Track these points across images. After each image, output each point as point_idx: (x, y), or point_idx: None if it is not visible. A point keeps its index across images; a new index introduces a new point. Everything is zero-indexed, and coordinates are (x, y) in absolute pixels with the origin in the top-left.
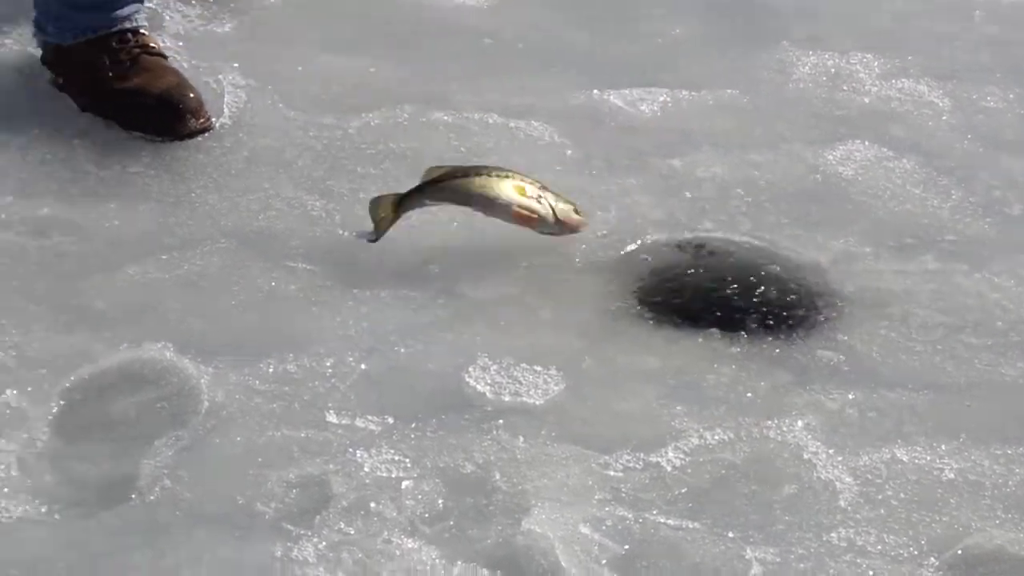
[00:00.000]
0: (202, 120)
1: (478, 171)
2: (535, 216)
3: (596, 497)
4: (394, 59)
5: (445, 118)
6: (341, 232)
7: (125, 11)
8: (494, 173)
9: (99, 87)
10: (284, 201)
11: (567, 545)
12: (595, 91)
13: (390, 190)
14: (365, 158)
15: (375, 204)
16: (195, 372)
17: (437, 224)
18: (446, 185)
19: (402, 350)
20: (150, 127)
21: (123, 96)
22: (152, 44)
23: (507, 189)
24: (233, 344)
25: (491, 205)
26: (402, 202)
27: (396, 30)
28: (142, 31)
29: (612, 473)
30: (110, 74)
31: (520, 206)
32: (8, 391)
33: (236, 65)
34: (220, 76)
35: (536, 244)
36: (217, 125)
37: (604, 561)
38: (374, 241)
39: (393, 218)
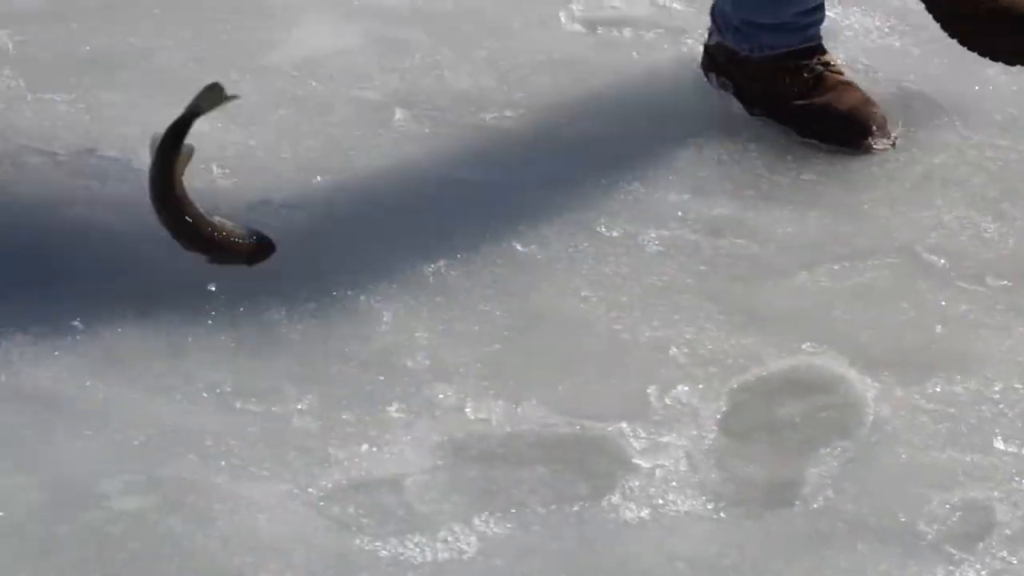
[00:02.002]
0: (887, 139)
1: None
2: None
3: None
4: None
5: None
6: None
7: (809, 32)
8: None
9: (777, 102)
10: (956, 220)
11: None
12: None
13: None
14: None
15: None
16: (861, 384)
17: None
18: None
19: None
20: (831, 140)
21: (804, 111)
22: (833, 61)
23: None
24: (900, 360)
25: None
26: None
27: None
28: (823, 49)
29: None
30: (792, 91)
31: None
32: (680, 387)
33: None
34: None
35: None
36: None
37: None
38: None
39: None
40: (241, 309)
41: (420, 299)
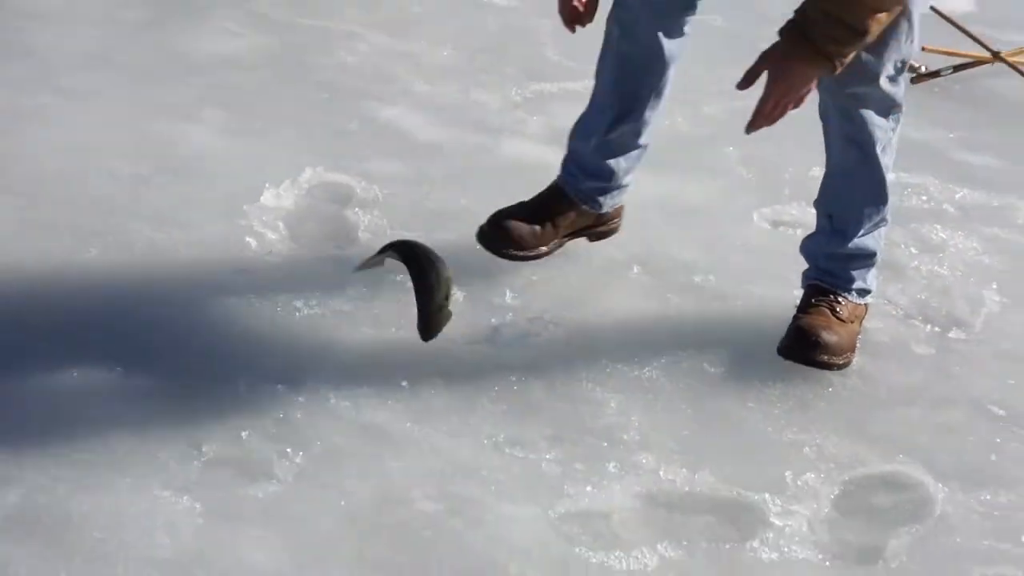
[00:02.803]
0: None
1: None
2: None
3: None
4: None
5: None
6: None
7: None
8: None
9: None
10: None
11: None
12: None
13: None
14: None
15: None
16: (933, 488)
17: None
18: None
19: None
20: None
21: None
22: None
23: None
24: (963, 474)
25: None
26: None
27: None
28: None
29: None
30: None
31: None
32: (808, 474)
33: None
34: None
35: None
36: None
37: None
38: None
39: None
40: (515, 387)
41: (637, 395)
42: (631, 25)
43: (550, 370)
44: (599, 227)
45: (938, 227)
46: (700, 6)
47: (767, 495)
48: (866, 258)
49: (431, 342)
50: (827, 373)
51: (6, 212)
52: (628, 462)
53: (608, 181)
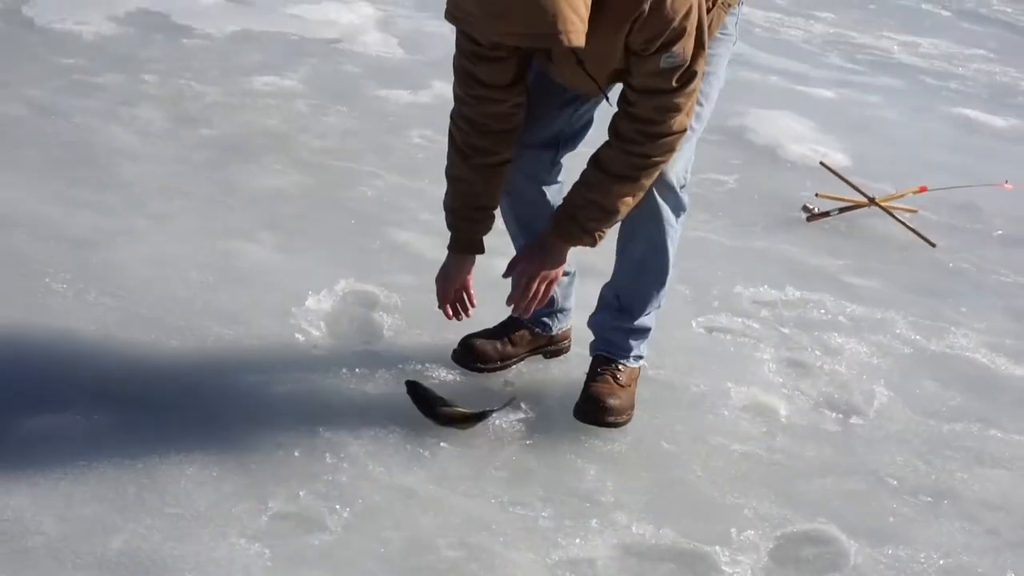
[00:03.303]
0: None
1: None
2: None
3: None
4: None
5: None
6: None
7: None
8: None
9: None
10: None
11: None
12: None
13: None
14: None
15: None
16: (847, 544)
17: None
18: None
19: None
20: None
21: None
22: None
23: None
24: (870, 533)
25: None
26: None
27: None
28: None
29: None
30: None
31: None
32: (748, 531)
33: None
34: None
35: None
36: None
37: None
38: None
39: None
40: (513, 458)
41: (609, 464)
42: (516, 193)
43: (539, 445)
44: (551, 346)
45: (835, 335)
46: (566, 155)
47: (717, 547)
48: (644, 332)
49: (443, 424)
50: (756, 450)
51: (111, 311)
52: (607, 519)
53: (551, 307)
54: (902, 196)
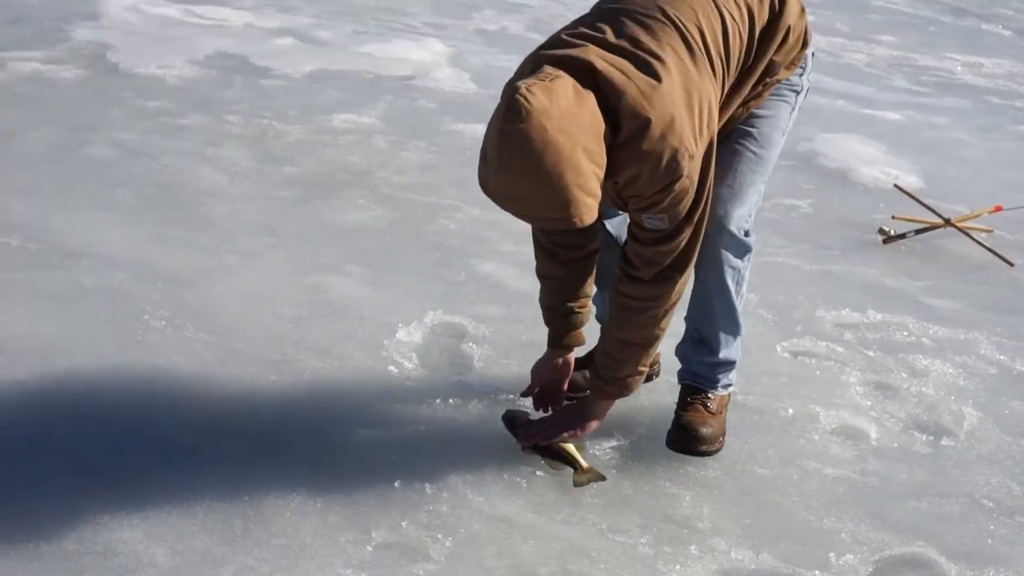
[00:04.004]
0: None
1: None
2: None
3: None
4: None
5: None
6: None
7: None
8: None
9: None
10: None
11: None
12: None
13: None
14: None
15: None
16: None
17: None
18: None
19: None
20: None
21: None
22: None
23: None
24: None
25: None
26: None
27: None
28: None
29: None
30: None
31: None
32: (847, 555)
33: None
34: None
35: None
36: None
37: None
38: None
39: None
40: (609, 485)
41: (704, 491)
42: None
43: (634, 471)
44: None
45: (920, 356)
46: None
47: (817, 572)
48: (729, 364)
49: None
50: (850, 473)
51: (209, 346)
52: (705, 545)
53: None
54: (977, 216)
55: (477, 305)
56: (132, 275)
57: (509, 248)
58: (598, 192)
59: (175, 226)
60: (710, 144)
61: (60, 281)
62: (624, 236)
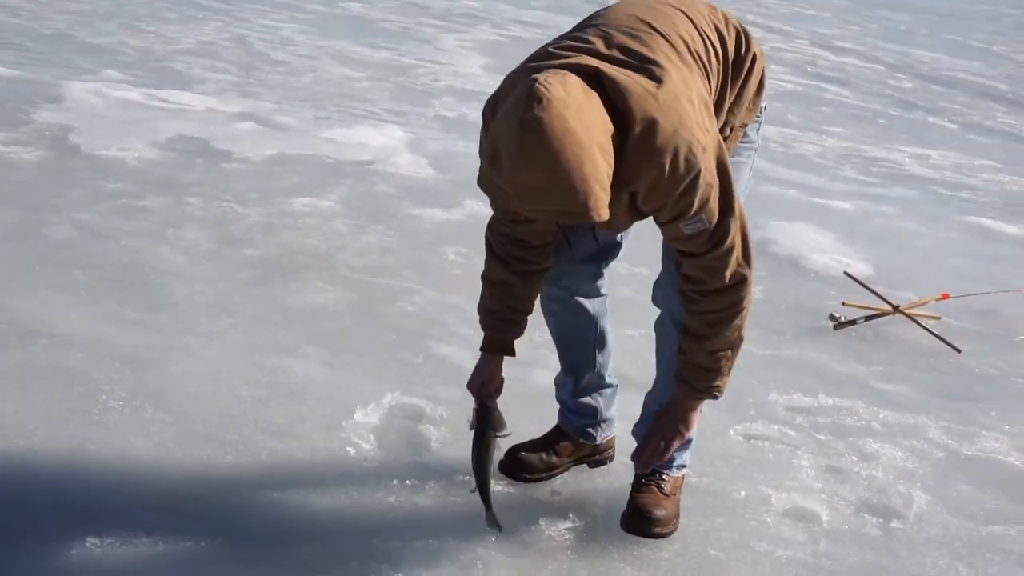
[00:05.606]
0: None
1: None
2: None
3: None
4: None
5: None
6: None
7: None
8: None
9: None
10: None
11: None
12: None
13: None
14: None
15: None
16: None
17: None
18: None
19: None
20: None
21: None
22: None
23: None
24: None
25: None
26: None
27: None
28: None
29: None
30: None
31: None
32: None
33: None
34: None
35: None
36: None
37: None
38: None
39: None
40: (564, 566)
41: (659, 573)
42: (562, 311)
43: (589, 552)
44: (595, 456)
45: (870, 440)
46: (609, 264)
47: None
48: (683, 445)
49: (500, 535)
50: (801, 555)
51: (167, 426)
52: None
53: (594, 418)
54: (925, 303)
55: (435, 387)
56: (90, 355)
57: (466, 331)
58: (608, 187)
59: (134, 306)
60: (716, 139)
61: (18, 360)
62: (604, 316)
